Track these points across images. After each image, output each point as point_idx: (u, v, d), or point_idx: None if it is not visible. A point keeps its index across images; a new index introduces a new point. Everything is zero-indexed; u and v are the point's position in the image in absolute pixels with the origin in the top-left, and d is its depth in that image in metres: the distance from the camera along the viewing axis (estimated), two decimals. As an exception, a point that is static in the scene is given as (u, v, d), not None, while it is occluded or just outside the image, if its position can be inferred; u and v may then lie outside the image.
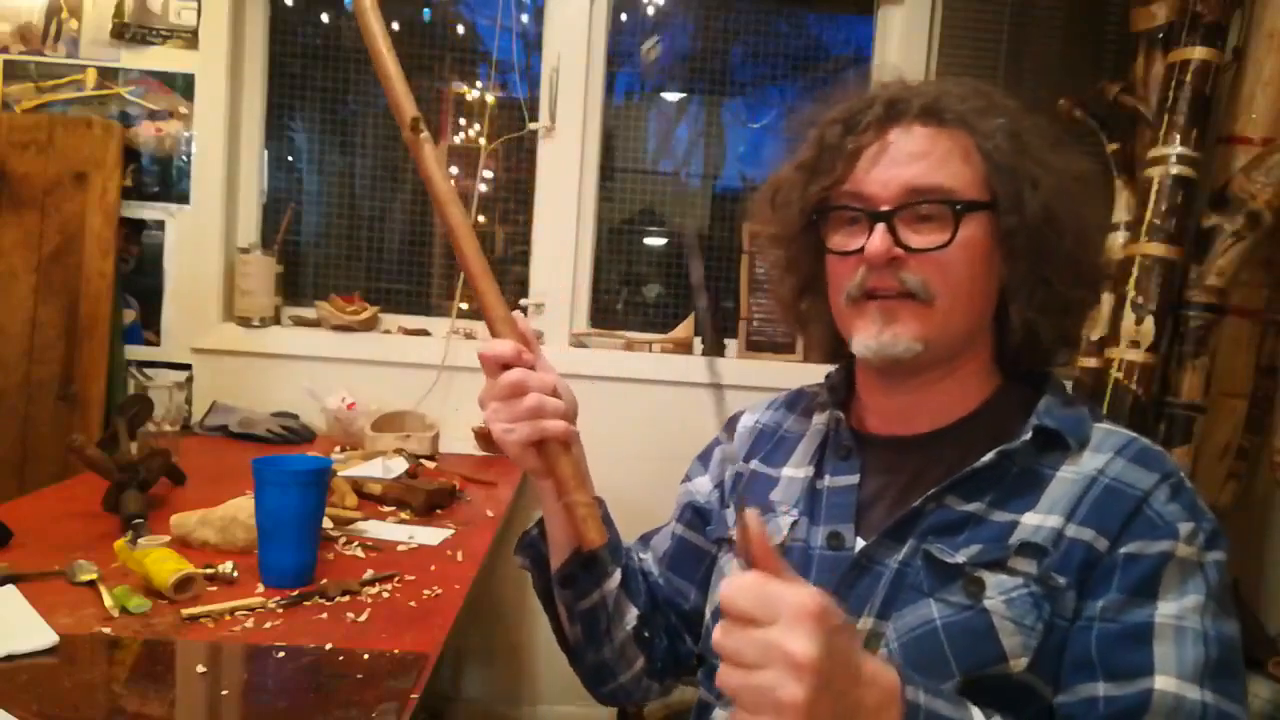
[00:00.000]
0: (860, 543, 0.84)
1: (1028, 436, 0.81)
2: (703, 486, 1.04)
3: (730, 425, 1.06)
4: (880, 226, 0.81)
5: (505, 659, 2.51)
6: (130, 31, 2.30)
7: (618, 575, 0.94)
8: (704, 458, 1.08)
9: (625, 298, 2.67)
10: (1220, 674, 0.72)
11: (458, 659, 2.51)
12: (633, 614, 0.96)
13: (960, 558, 0.78)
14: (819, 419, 0.97)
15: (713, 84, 2.65)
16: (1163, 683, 0.71)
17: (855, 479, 0.88)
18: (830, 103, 0.90)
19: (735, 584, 0.58)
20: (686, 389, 2.39)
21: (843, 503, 0.87)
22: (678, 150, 2.71)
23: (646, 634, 0.97)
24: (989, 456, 0.81)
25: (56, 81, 2.31)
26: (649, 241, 2.68)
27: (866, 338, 0.84)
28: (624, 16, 2.56)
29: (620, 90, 2.64)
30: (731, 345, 2.55)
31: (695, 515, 1.03)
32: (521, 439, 0.82)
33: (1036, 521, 0.78)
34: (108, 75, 2.32)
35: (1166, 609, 0.74)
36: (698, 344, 2.54)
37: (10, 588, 1.14)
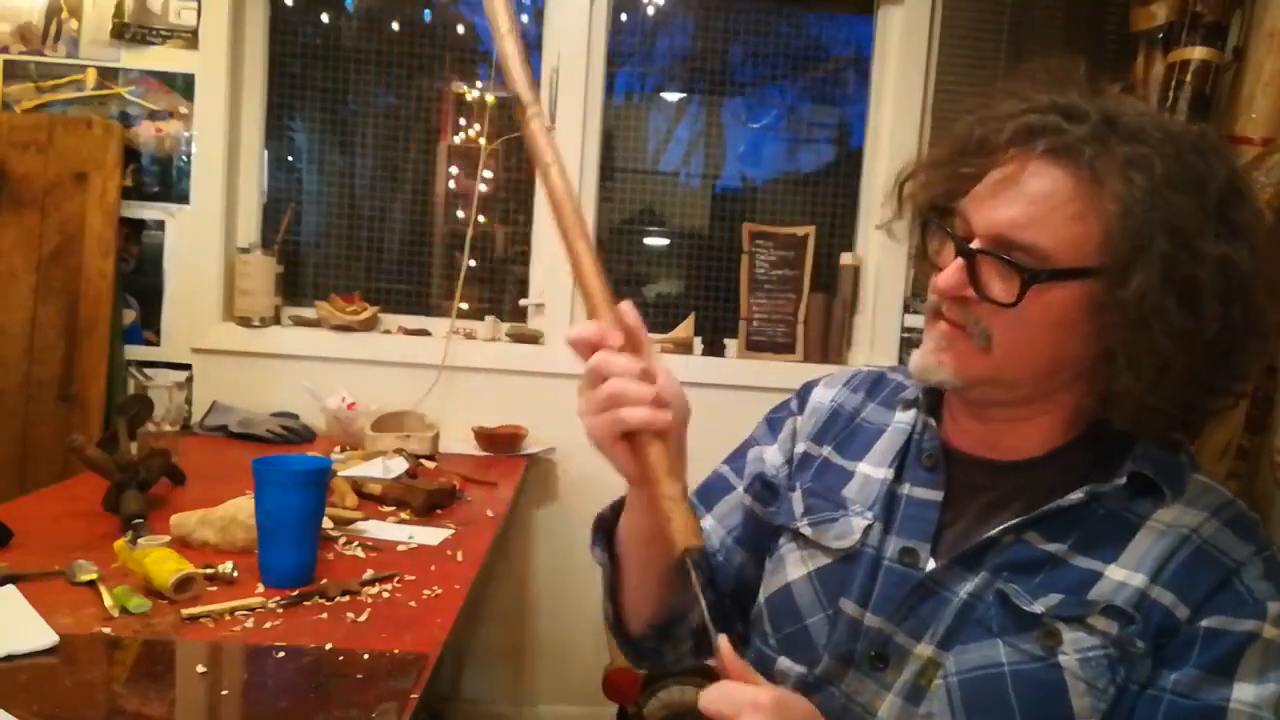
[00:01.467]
0: (932, 563, 0.81)
1: (1122, 481, 0.76)
2: (774, 458, 0.98)
3: (803, 395, 1.01)
4: (958, 261, 0.76)
5: (505, 659, 2.51)
6: (130, 31, 2.30)
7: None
8: (774, 424, 1.01)
9: (625, 297, 2.66)
10: None
11: (458, 659, 2.50)
12: (698, 610, 0.87)
13: (1039, 607, 0.75)
14: (903, 416, 0.91)
15: (713, 84, 2.65)
16: None
17: (939, 495, 0.83)
18: (1004, 86, 0.82)
19: (709, 694, 0.68)
20: (686, 389, 2.38)
21: (922, 517, 0.83)
22: (677, 150, 2.71)
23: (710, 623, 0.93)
24: (1077, 495, 0.76)
25: (56, 81, 2.31)
26: (649, 241, 2.68)
27: (917, 355, 0.82)
28: (624, 16, 2.56)
29: (620, 90, 2.64)
30: (731, 345, 2.56)
31: (765, 489, 0.97)
32: (599, 429, 0.72)
33: (1121, 578, 0.74)
34: (108, 75, 2.32)
35: (1243, 694, 0.70)
36: (698, 344, 2.54)
37: (10, 588, 1.14)
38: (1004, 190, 0.75)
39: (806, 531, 0.89)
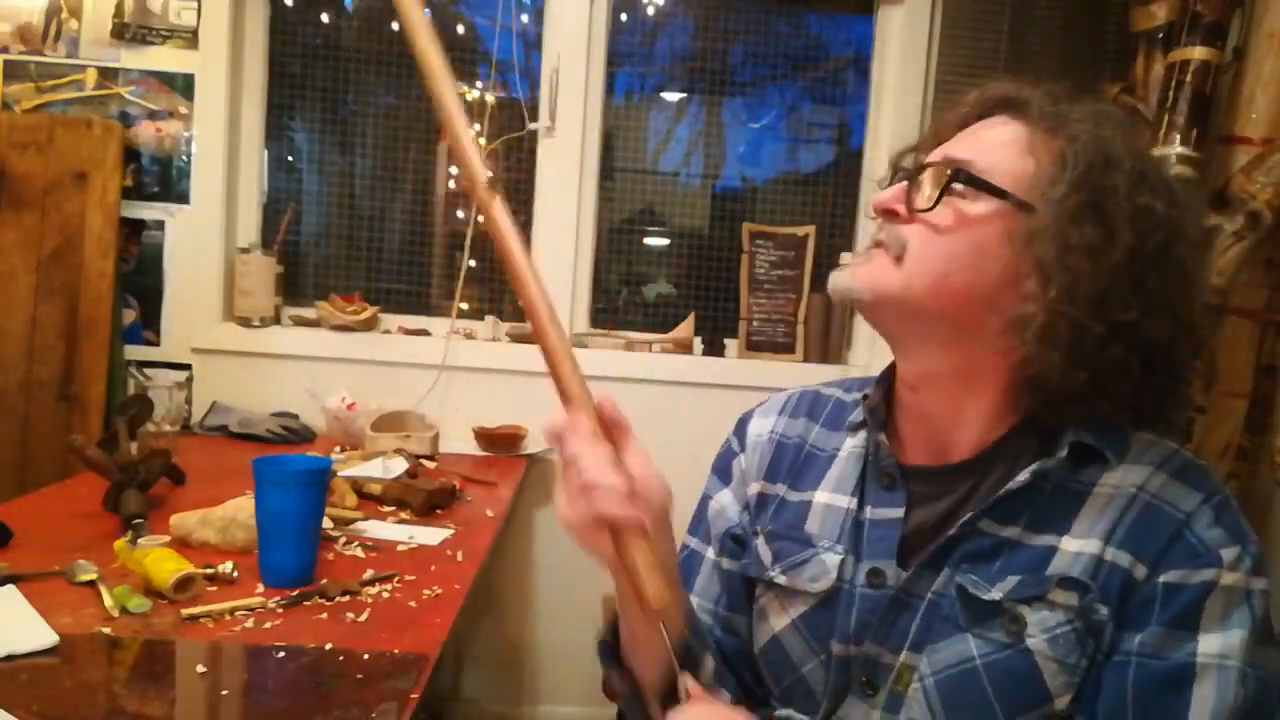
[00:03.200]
0: (903, 576, 0.81)
1: (1064, 454, 0.77)
2: (731, 510, 0.96)
3: (741, 430, 1.00)
4: (901, 183, 0.82)
5: (505, 659, 2.51)
6: (130, 31, 2.30)
7: (709, 663, 0.86)
8: (721, 472, 1.00)
9: (625, 298, 2.67)
10: (1255, 716, 0.70)
11: (458, 659, 2.50)
12: (709, 666, 0.87)
13: (997, 593, 0.75)
14: (853, 441, 0.91)
15: (713, 84, 2.65)
16: None
17: (899, 512, 0.84)
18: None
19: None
20: (686, 389, 2.39)
21: (885, 536, 0.83)
22: (677, 150, 2.71)
23: (718, 685, 0.88)
24: (1023, 476, 0.77)
25: (56, 81, 2.31)
26: (649, 241, 2.68)
27: (833, 274, 0.85)
28: (624, 16, 2.56)
29: (620, 90, 2.64)
30: (731, 345, 2.56)
31: (735, 544, 0.95)
32: (575, 520, 0.69)
33: (1075, 548, 0.75)
34: (108, 75, 2.32)
35: (1209, 646, 0.71)
36: (698, 344, 2.54)
37: (10, 588, 1.14)
38: (964, 136, 0.83)
39: (781, 580, 0.88)
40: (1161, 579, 0.73)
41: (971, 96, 0.85)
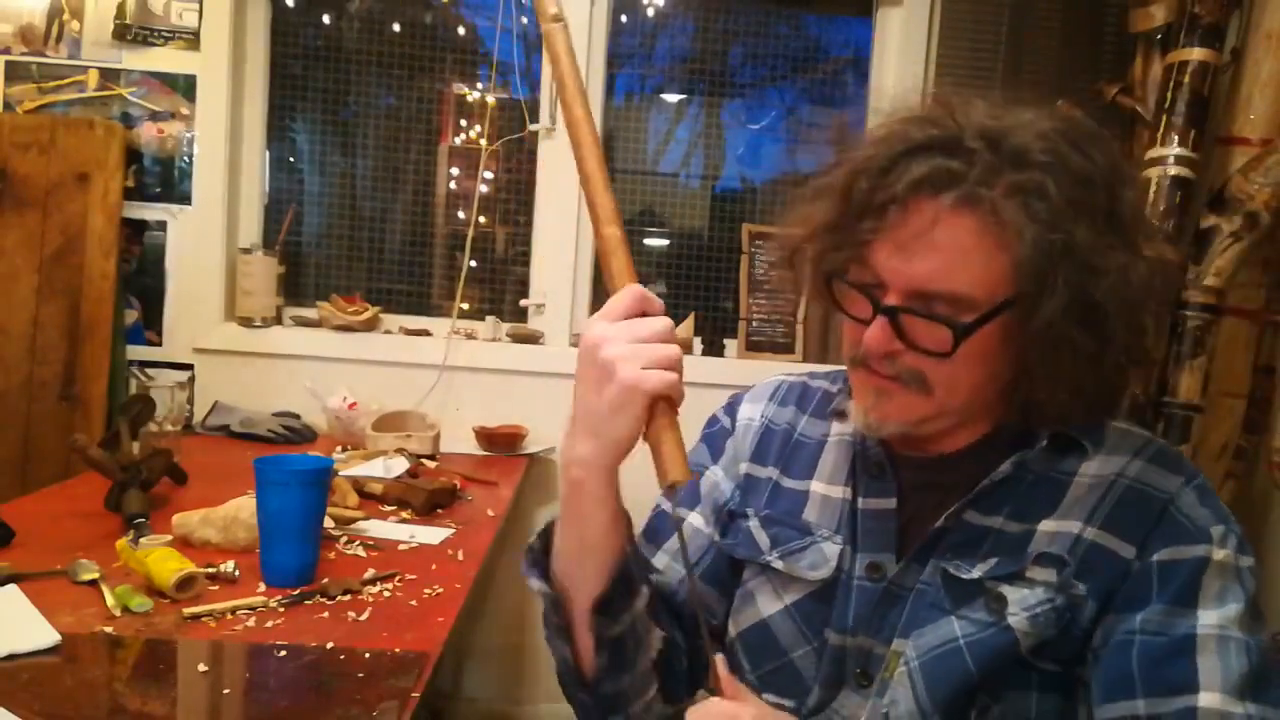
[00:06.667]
0: (895, 570, 0.83)
1: (1044, 443, 0.79)
2: (725, 486, 0.96)
3: (732, 410, 1.01)
4: (880, 320, 0.77)
5: (505, 658, 2.52)
6: (132, 33, 2.31)
7: (645, 593, 0.83)
8: (713, 447, 1.00)
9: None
10: (1261, 684, 0.71)
11: (458, 658, 2.51)
12: (658, 636, 0.85)
13: (977, 573, 0.77)
14: (841, 428, 0.92)
15: (712, 86, 2.65)
16: (1207, 699, 0.69)
17: (892, 503, 0.85)
18: (872, 129, 0.83)
19: (693, 712, 0.74)
20: (686, 389, 2.38)
21: (882, 530, 0.84)
22: (677, 151, 2.71)
23: (670, 659, 0.87)
24: (1005, 467, 0.79)
25: (58, 82, 2.31)
26: (649, 242, 2.69)
27: (858, 413, 0.84)
28: (624, 18, 2.56)
29: (620, 91, 2.64)
30: (731, 345, 2.56)
31: (729, 520, 0.95)
32: (654, 384, 0.70)
33: (1054, 528, 0.77)
34: (109, 76, 2.32)
35: (1208, 618, 0.72)
36: (697, 344, 2.55)
37: (12, 587, 1.14)
38: (913, 244, 0.75)
39: (779, 565, 0.88)
40: (1155, 558, 0.74)
41: (893, 171, 0.75)
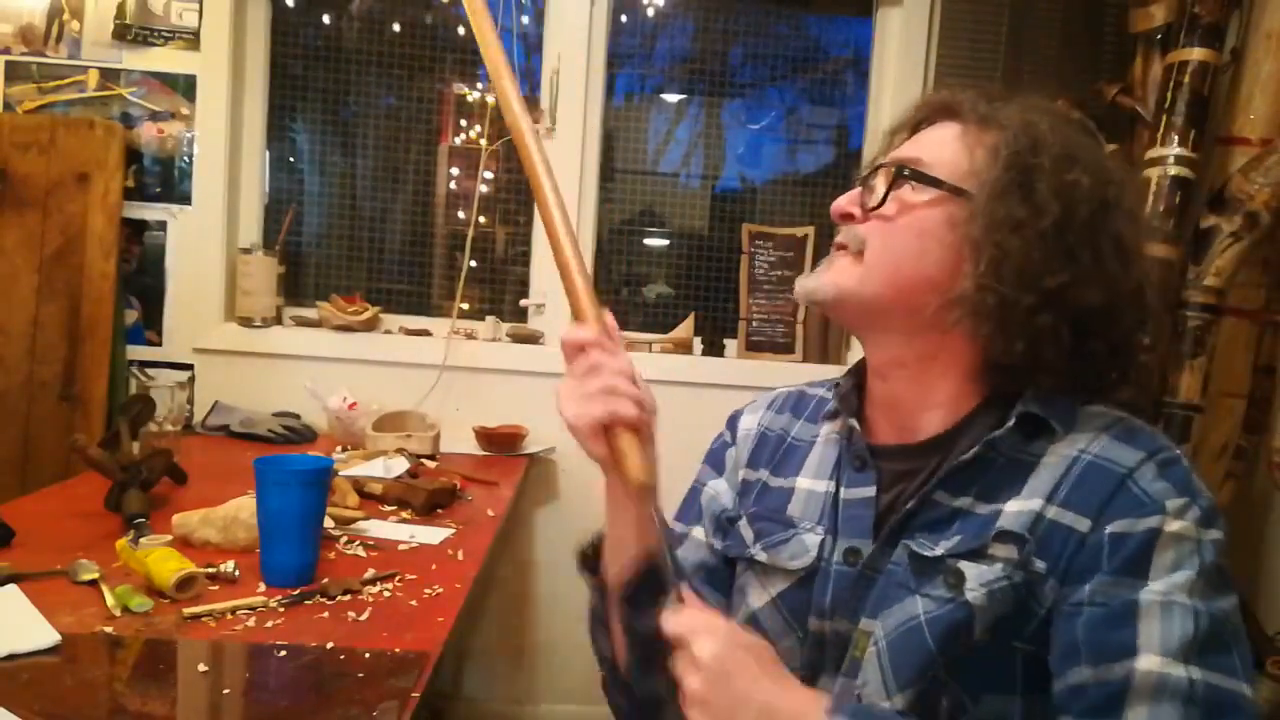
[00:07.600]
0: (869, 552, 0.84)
1: (1011, 423, 0.80)
2: (725, 497, 1.00)
3: (732, 425, 1.05)
4: (855, 189, 0.88)
5: (505, 658, 2.52)
6: (132, 33, 2.31)
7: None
8: (715, 463, 1.04)
9: (625, 298, 2.68)
10: (1211, 649, 0.70)
11: (458, 658, 2.51)
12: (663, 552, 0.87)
13: (940, 550, 0.79)
14: (829, 428, 0.96)
15: (712, 85, 2.65)
16: (1146, 662, 0.69)
17: (871, 491, 0.87)
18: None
19: (669, 616, 0.75)
20: (686, 389, 2.39)
21: (859, 515, 0.87)
22: (677, 151, 2.72)
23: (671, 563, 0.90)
24: (975, 448, 0.80)
25: (58, 82, 2.31)
26: (649, 242, 2.69)
27: (800, 279, 0.91)
28: (624, 18, 2.56)
29: (620, 91, 2.64)
30: (731, 345, 2.56)
31: (728, 525, 0.98)
32: (587, 419, 0.76)
33: (1017, 508, 0.78)
34: (109, 76, 2.32)
35: (1155, 586, 0.71)
36: (697, 344, 2.55)
37: (12, 587, 1.14)
38: (909, 141, 0.90)
39: (761, 557, 0.91)
40: (1107, 530, 0.74)
41: (914, 105, 0.93)
